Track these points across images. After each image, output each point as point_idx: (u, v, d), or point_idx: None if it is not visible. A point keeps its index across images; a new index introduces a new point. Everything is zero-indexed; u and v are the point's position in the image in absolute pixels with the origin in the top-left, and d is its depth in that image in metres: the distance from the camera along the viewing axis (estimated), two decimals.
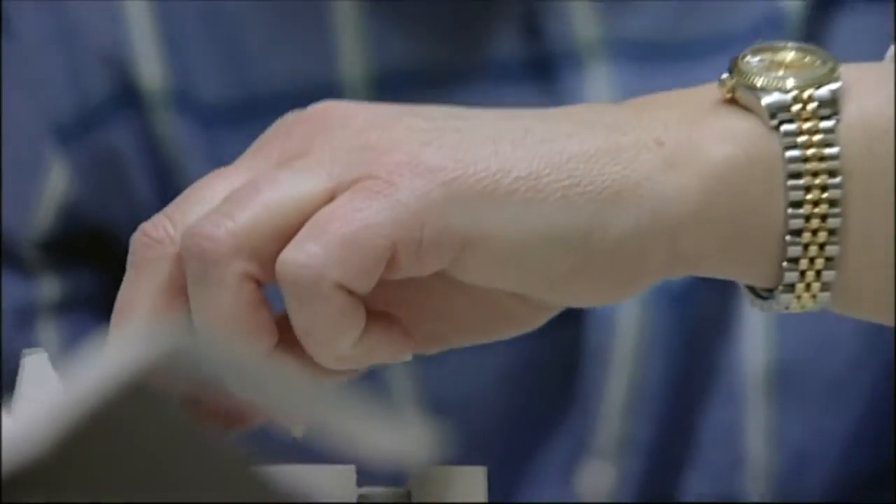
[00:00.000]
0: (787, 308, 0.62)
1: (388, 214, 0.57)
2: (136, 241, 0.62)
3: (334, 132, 0.61)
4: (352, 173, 0.58)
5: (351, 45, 0.99)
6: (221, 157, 0.86)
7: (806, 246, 0.61)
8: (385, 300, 0.61)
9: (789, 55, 0.64)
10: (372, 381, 0.72)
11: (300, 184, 0.59)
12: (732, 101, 0.62)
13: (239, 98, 0.99)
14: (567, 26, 0.99)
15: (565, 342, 0.99)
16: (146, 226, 0.62)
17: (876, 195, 0.61)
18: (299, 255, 0.57)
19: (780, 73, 0.63)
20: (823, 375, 1.01)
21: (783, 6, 1.01)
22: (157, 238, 0.60)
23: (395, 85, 0.98)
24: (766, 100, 0.61)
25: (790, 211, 0.60)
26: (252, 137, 0.77)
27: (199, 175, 0.73)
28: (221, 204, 0.59)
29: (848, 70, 0.63)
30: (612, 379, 0.99)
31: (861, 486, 1.02)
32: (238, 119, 0.98)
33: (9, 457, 0.33)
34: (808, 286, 0.61)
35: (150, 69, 0.99)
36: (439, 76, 0.98)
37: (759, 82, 0.61)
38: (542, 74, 0.99)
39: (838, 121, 0.61)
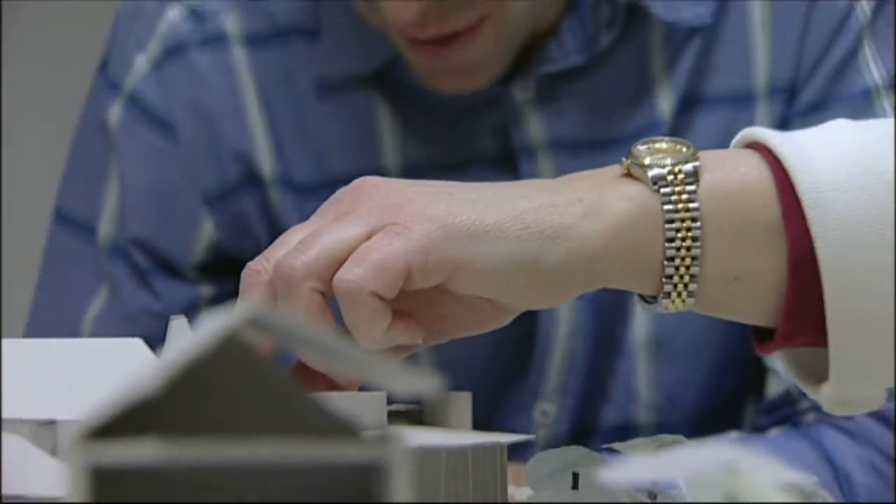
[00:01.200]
0: (665, 309, 0.81)
1: (404, 248, 0.74)
2: (245, 272, 0.81)
3: (370, 196, 0.78)
4: (381, 221, 0.76)
5: (389, 144, 1.21)
6: (307, 215, 1.08)
7: (677, 267, 0.79)
8: (404, 304, 0.78)
9: (664, 144, 0.82)
10: None
11: (348, 231, 0.77)
12: (628, 175, 0.81)
13: (318, 179, 1.22)
14: (525, 131, 1.21)
15: (526, 325, 1.21)
16: (250, 263, 0.80)
17: (723, 234, 0.80)
18: (347, 275, 0.75)
19: (659, 155, 0.80)
20: (684, 343, 1.24)
21: (660, 112, 1.21)
22: (256, 270, 0.79)
23: (416, 170, 1.20)
24: (651, 173, 0.80)
25: (666, 244, 0.79)
26: None
27: (294, 222, 1.06)
28: (297, 245, 0.77)
29: (705, 154, 0.81)
30: (555, 348, 1.22)
31: (713, 415, 1.24)
32: (317, 191, 1.20)
33: (115, 399, 0.39)
34: (679, 294, 0.80)
35: (265, 162, 1.22)
36: (443, 163, 1.21)
37: (646, 161, 0.80)
38: (508, 162, 1.22)
39: (698, 186, 0.80)
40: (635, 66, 1.17)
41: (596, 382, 1.21)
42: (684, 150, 0.81)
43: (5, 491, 0.60)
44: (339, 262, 0.76)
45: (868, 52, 1.19)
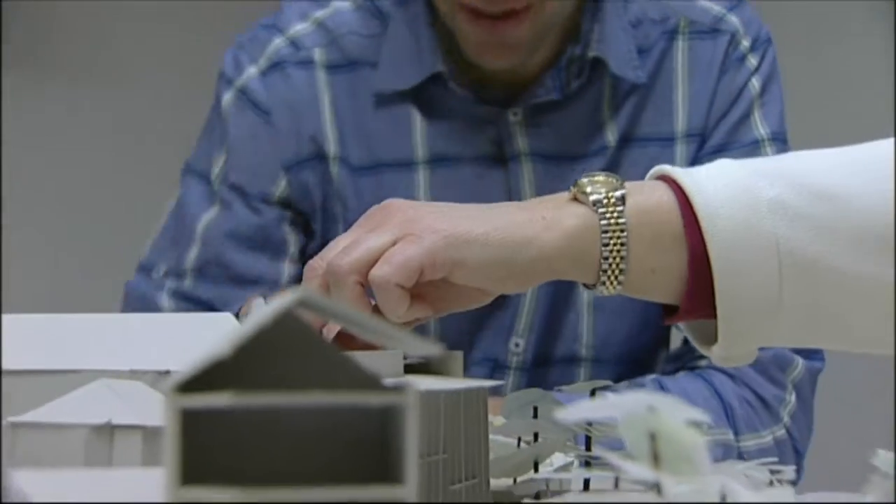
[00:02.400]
0: (601, 293, 0.84)
1: (419, 252, 0.77)
2: (306, 269, 0.84)
3: (393, 214, 0.81)
4: (402, 232, 0.79)
5: (418, 141, 1.21)
6: (357, 187, 1.21)
7: (610, 265, 0.82)
8: (418, 290, 0.80)
9: (601, 177, 0.84)
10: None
11: (379, 239, 0.80)
12: (575, 199, 0.85)
13: (367, 162, 1.22)
14: (514, 143, 1.20)
15: (501, 298, 1.17)
16: (309, 262, 0.84)
17: (642, 241, 0.83)
18: (379, 271, 0.78)
19: (597, 185, 0.84)
20: (614, 305, 1.22)
21: (608, 142, 1.22)
22: (313, 267, 0.82)
23: (437, 160, 1.22)
24: (591, 198, 0.83)
25: (602, 249, 0.82)
26: (371, 181, 1.23)
27: (347, 191, 1.23)
28: (342, 250, 0.80)
29: (629, 184, 0.85)
30: (525, 302, 1.22)
31: (634, 359, 1.25)
32: (366, 170, 1.22)
33: (198, 358, 0.39)
34: (611, 283, 0.83)
35: (331, 146, 1.22)
36: (456, 157, 1.22)
37: (587, 190, 0.84)
38: (501, 163, 1.21)
39: (624, 207, 0.83)
40: (592, 106, 1.18)
41: (552, 326, 1.22)
42: (614, 181, 0.84)
43: None
44: (373, 262, 0.79)
45: (757, 115, 1.20)
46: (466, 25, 1.12)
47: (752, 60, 1.20)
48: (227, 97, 1.21)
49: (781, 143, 1.22)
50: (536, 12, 1.11)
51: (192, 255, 1.21)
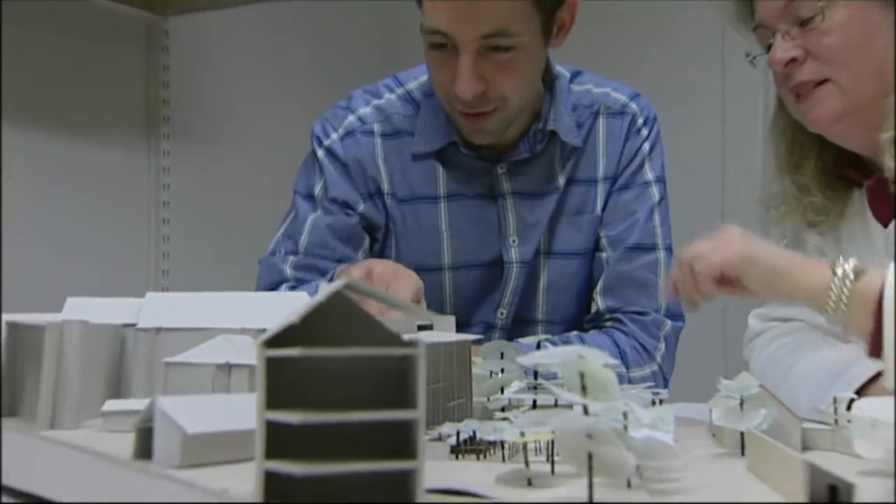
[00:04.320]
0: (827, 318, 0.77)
1: (720, 260, 0.78)
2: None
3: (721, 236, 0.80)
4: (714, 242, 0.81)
5: (441, 184, 1.15)
6: (403, 213, 1.15)
7: (834, 311, 0.74)
8: (727, 280, 0.81)
9: (853, 262, 0.76)
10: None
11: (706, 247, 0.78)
12: (832, 268, 0.74)
13: (408, 196, 1.14)
14: (500, 186, 1.13)
15: (498, 276, 1.14)
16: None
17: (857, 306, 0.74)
18: (699, 266, 0.77)
19: (844, 265, 0.75)
20: (561, 288, 1.17)
21: (560, 184, 1.15)
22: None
23: (451, 196, 1.16)
24: (838, 270, 0.75)
25: (832, 303, 0.74)
26: (410, 209, 1.15)
27: (395, 214, 1.16)
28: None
29: (864, 271, 0.74)
30: (509, 284, 1.15)
31: (570, 321, 1.19)
32: (408, 202, 1.14)
33: (279, 323, 0.37)
34: (833, 312, 0.74)
35: (385, 185, 1.15)
36: (464, 195, 1.14)
37: (838, 266, 0.75)
38: (492, 199, 1.14)
39: (854, 284, 0.73)
40: (550, 161, 1.15)
41: (523, 301, 1.16)
42: (857, 266, 0.75)
43: None
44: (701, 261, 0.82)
45: (647, 166, 1.17)
46: (458, 118, 1.10)
47: (644, 132, 1.17)
48: (320, 152, 1.18)
49: (662, 183, 1.19)
50: (501, 111, 1.07)
51: (303, 241, 1.18)
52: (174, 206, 1.95)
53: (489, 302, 1.16)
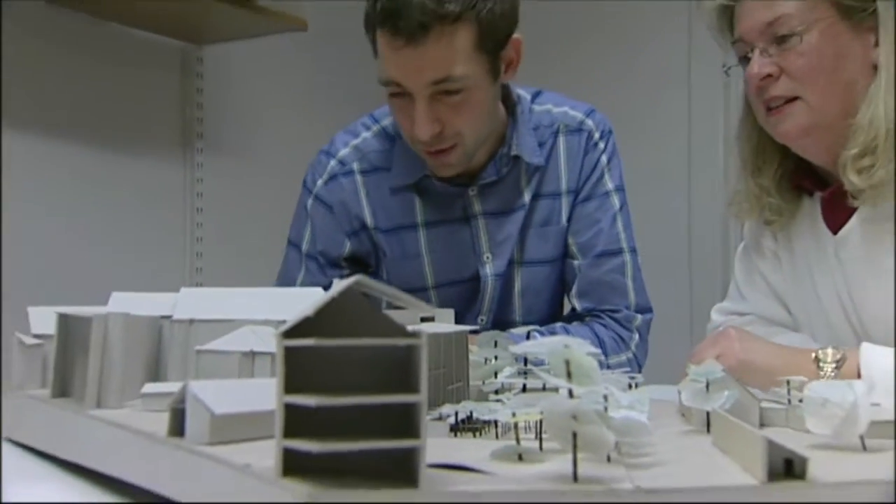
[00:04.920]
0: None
1: (727, 365, 0.76)
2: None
3: (726, 338, 0.85)
4: (718, 345, 0.84)
5: (418, 213, 1.13)
6: (389, 243, 1.11)
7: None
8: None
9: (830, 351, 0.75)
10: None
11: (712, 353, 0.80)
12: (816, 359, 0.74)
13: (391, 227, 1.12)
14: (472, 208, 1.11)
15: (477, 288, 1.13)
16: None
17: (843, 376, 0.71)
18: (724, 361, 0.75)
19: (827, 356, 0.74)
20: (534, 293, 1.15)
21: (526, 201, 1.12)
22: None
23: (429, 224, 1.12)
24: (821, 364, 0.75)
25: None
26: (394, 238, 1.11)
27: (381, 244, 1.11)
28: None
29: (849, 359, 0.73)
30: (487, 295, 1.13)
31: (545, 320, 1.16)
32: (392, 232, 1.12)
33: (296, 316, 0.37)
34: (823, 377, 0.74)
35: (369, 220, 1.12)
36: (440, 221, 1.12)
37: (822, 357, 0.75)
38: (466, 222, 1.11)
39: (839, 370, 0.74)
40: (515, 181, 1.13)
41: (501, 308, 1.14)
42: (838, 353, 0.74)
43: None
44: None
45: (607, 176, 1.14)
46: (423, 154, 1.07)
47: (601, 145, 1.15)
48: (309, 201, 1.15)
49: (622, 191, 1.16)
50: (460, 146, 1.05)
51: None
52: (206, 212, 1.95)
53: (471, 312, 1.14)
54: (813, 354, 0.75)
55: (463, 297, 1.13)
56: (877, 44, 0.87)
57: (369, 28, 1.00)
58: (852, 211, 0.91)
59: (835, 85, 0.88)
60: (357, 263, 1.15)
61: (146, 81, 1.82)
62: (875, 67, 0.87)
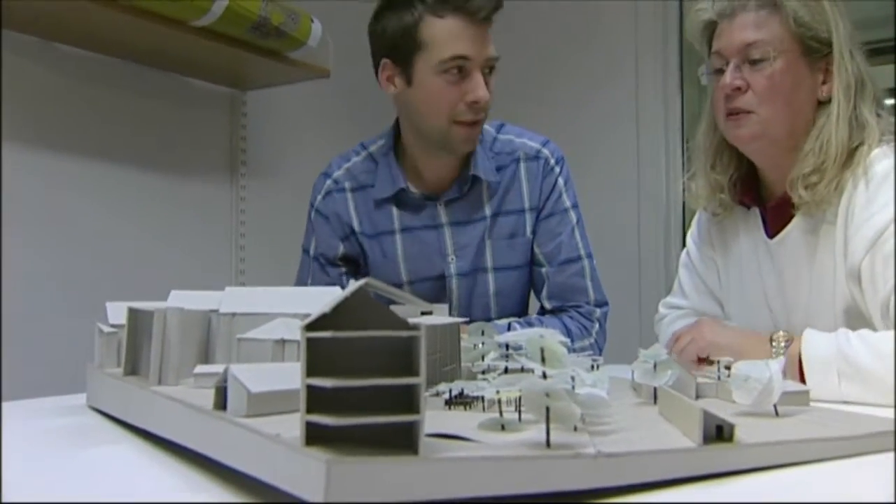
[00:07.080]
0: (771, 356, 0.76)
1: (697, 349, 0.82)
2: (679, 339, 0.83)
3: (700, 331, 0.84)
4: (691, 334, 0.83)
5: (395, 220, 1.11)
6: (372, 247, 1.09)
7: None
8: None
9: (782, 334, 0.78)
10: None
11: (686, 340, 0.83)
12: (770, 340, 0.76)
13: (374, 232, 1.09)
14: (440, 218, 1.09)
15: (444, 287, 1.10)
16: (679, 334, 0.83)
17: (790, 363, 0.74)
18: (686, 349, 0.81)
19: (780, 339, 0.77)
20: (505, 295, 1.12)
21: (486, 215, 1.10)
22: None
23: (405, 230, 1.10)
24: (774, 344, 0.76)
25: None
26: (375, 242, 1.09)
27: (365, 247, 1.08)
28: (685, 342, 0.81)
29: (794, 343, 0.75)
30: (454, 293, 1.10)
31: (515, 316, 1.14)
32: (374, 236, 1.09)
33: (317, 312, 0.35)
34: (775, 356, 0.75)
35: (356, 226, 1.10)
36: (414, 227, 1.09)
37: (775, 339, 0.77)
38: (435, 229, 1.10)
39: (787, 350, 0.75)
40: (477, 197, 1.10)
41: (479, 306, 1.12)
42: (790, 336, 0.74)
43: None
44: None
45: (564, 196, 1.12)
46: (461, 130, 1.05)
47: (556, 169, 1.13)
48: (313, 214, 1.15)
49: (577, 207, 1.14)
50: (483, 121, 1.06)
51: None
52: (248, 224, 1.94)
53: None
54: (768, 337, 0.76)
55: (434, 293, 1.12)
56: (824, 82, 0.87)
57: (416, 22, 1.01)
58: (790, 219, 0.90)
59: (787, 107, 0.87)
60: (350, 262, 1.14)
61: (202, 120, 1.84)
62: (819, 102, 0.87)
